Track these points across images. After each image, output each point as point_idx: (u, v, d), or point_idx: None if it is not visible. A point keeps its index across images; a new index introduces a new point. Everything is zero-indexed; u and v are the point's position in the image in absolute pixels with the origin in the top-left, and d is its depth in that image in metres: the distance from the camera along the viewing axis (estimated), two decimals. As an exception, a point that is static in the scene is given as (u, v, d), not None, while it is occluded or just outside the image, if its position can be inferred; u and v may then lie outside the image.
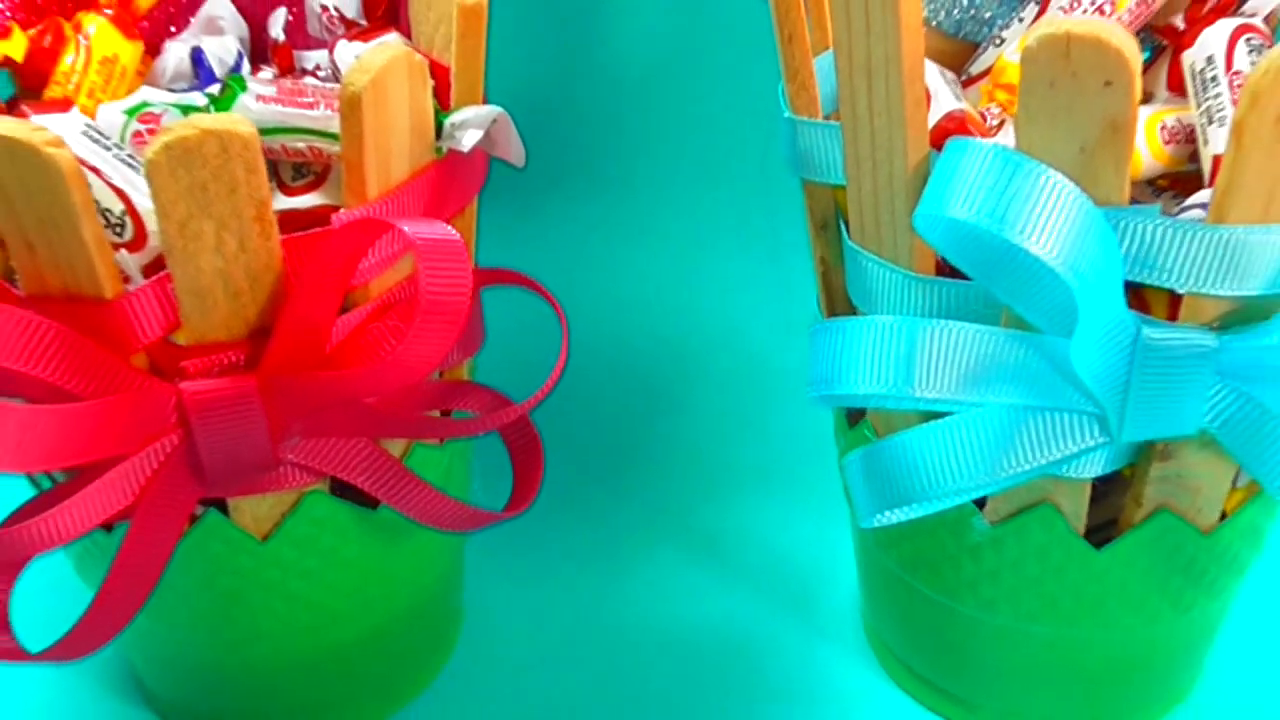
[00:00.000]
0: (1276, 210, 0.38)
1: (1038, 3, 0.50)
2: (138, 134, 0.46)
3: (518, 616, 0.60)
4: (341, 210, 0.44)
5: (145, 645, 0.53)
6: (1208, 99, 0.43)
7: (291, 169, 0.47)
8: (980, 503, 0.48)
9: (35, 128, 0.39)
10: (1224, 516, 0.47)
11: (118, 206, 0.43)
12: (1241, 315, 0.41)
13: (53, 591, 0.52)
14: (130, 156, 0.45)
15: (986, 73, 0.49)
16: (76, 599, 0.51)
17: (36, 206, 0.39)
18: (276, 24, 0.52)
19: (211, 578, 0.49)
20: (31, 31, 0.49)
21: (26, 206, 0.40)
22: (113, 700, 0.57)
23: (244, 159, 0.39)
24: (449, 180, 0.47)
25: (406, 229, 0.41)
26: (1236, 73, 0.43)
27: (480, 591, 0.61)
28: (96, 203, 0.42)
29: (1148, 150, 0.44)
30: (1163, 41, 0.48)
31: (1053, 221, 0.37)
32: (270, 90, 0.46)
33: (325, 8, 0.51)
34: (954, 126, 0.45)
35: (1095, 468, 0.45)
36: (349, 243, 0.42)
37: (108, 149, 0.44)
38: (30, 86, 0.49)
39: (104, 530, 0.46)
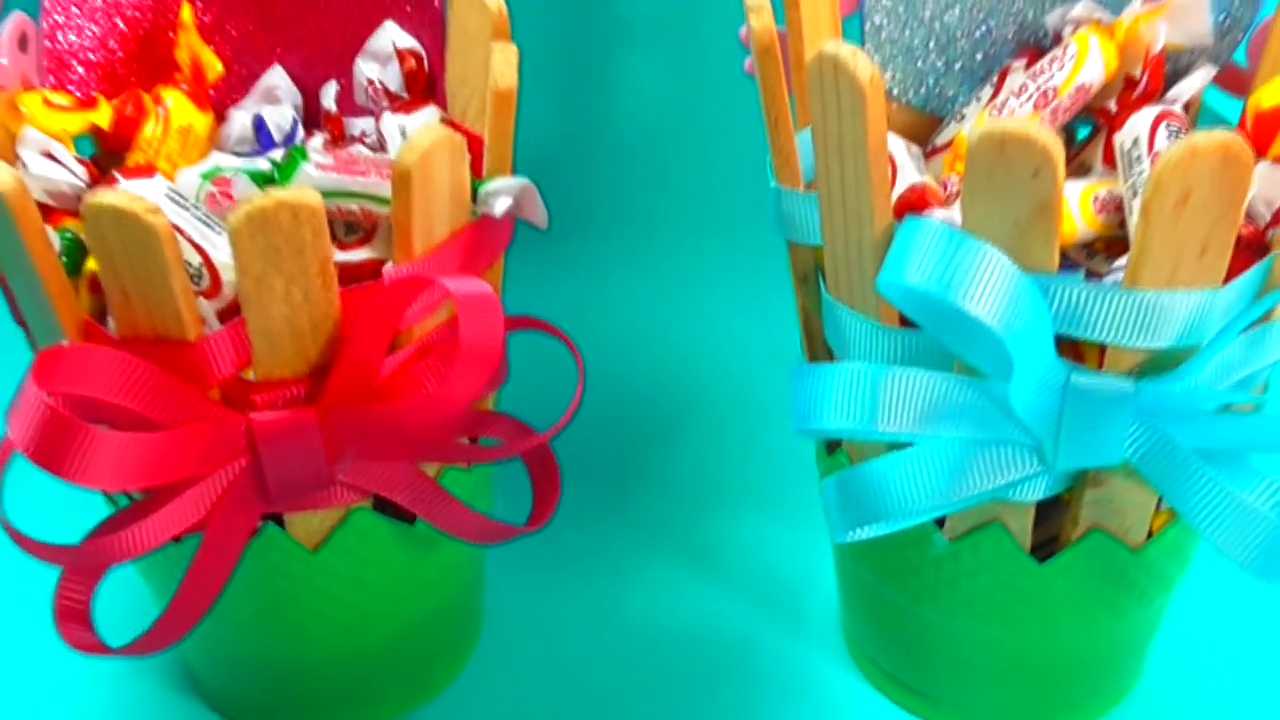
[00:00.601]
0: (1180, 276, 0.41)
1: (994, 85, 0.53)
2: (211, 195, 0.49)
3: (532, 620, 0.62)
4: (390, 265, 0.46)
5: (203, 642, 0.54)
6: (1133, 175, 0.46)
7: (344, 227, 0.49)
8: (940, 522, 0.50)
9: (134, 197, 0.41)
10: (1151, 535, 0.49)
11: (196, 259, 0.46)
12: (1155, 364, 0.43)
13: (113, 596, 0.53)
14: (207, 216, 0.47)
15: (949, 144, 0.51)
16: (129, 601, 0.54)
17: (134, 263, 0.42)
18: (328, 95, 0.55)
19: (268, 582, 0.51)
20: (115, 102, 0.52)
21: (126, 263, 0.42)
22: (169, 693, 0.59)
23: (311, 225, 0.42)
24: (482, 239, 0.49)
25: (450, 286, 0.44)
26: (1157, 153, 0.45)
27: (499, 597, 0.62)
28: (177, 257, 0.43)
29: (1082, 219, 0.47)
30: (1100, 121, 0.51)
31: (990, 288, 0.40)
32: (328, 160, 0.48)
33: (371, 81, 0.54)
34: (914, 198, 0.47)
35: (1036, 493, 0.47)
36: (398, 295, 0.45)
37: (187, 210, 0.47)
38: (112, 150, 0.52)
39: (175, 542, 0.48)
